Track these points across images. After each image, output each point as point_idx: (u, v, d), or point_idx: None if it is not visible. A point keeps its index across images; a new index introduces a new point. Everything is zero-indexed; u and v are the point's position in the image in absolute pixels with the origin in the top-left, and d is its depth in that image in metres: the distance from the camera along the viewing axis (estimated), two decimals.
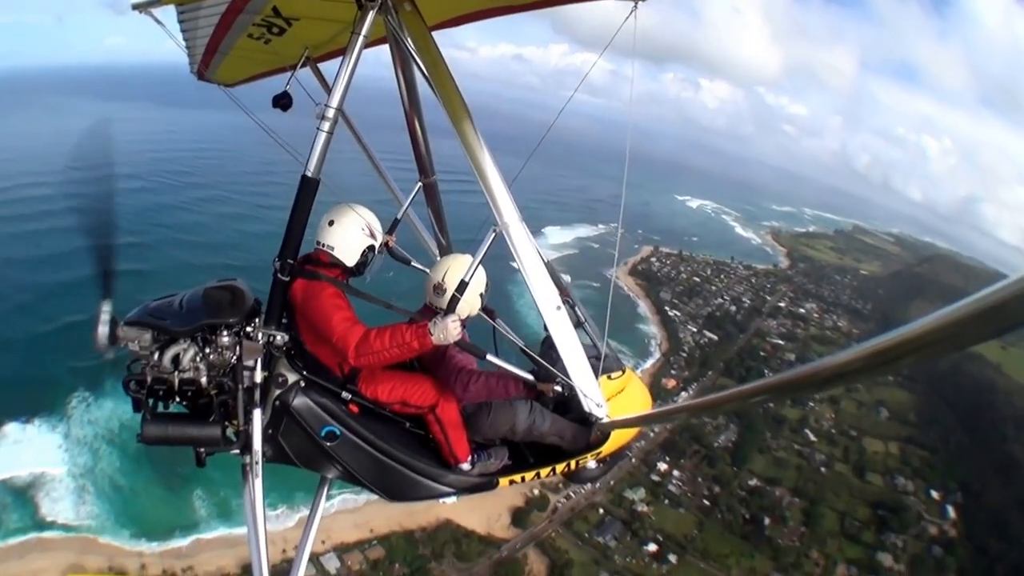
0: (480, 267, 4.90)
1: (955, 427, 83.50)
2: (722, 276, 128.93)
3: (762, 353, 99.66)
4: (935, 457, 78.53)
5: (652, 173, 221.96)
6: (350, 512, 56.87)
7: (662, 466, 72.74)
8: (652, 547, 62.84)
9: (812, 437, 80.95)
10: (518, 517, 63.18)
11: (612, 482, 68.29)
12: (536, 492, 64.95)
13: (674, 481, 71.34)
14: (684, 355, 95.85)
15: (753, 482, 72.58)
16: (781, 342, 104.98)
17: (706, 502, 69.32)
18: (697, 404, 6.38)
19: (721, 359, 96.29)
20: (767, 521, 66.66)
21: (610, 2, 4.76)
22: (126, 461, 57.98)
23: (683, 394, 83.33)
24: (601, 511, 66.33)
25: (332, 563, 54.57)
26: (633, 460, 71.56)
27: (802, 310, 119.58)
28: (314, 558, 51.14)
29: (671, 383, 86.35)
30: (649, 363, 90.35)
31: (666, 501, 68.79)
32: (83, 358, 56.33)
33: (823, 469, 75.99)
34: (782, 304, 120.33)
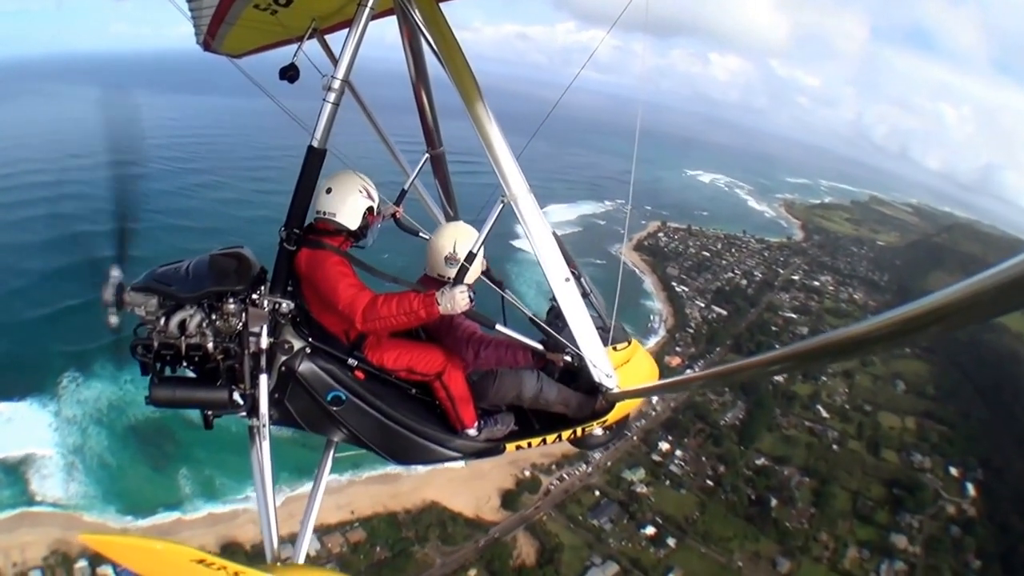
0: (477, 235, 5.02)
1: (976, 400, 79.39)
2: (733, 250, 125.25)
3: (774, 327, 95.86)
4: (954, 432, 74.42)
5: (663, 148, 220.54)
6: (332, 493, 54.84)
7: (664, 446, 69.18)
8: (650, 530, 59.58)
9: (824, 413, 77.13)
10: (508, 499, 60.49)
11: (609, 463, 65.43)
12: (528, 474, 62.60)
13: (676, 461, 67.92)
14: (691, 331, 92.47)
15: (760, 461, 69.01)
16: (794, 316, 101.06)
17: (709, 482, 65.80)
18: (710, 374, 5.12)
19: (730, 334, 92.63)
20: (774, 502, 63.13)
21: None
22: (114, 440, 58.54)
23: (687, 372, 79.81)
24: (597, 493, 63.26)
25: (312, 545, 52.31)
26: (634, 438, 68.57)
27: (816, 283, 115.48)
28: (293, 539, 51.31)
29: (675, 361, 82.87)
30: (653, 341, 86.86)
31: (667, 482, 65.43)
32: (75, 342, 60.12)
33: (835, 446, 72.15)
34: (796, 277, 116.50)
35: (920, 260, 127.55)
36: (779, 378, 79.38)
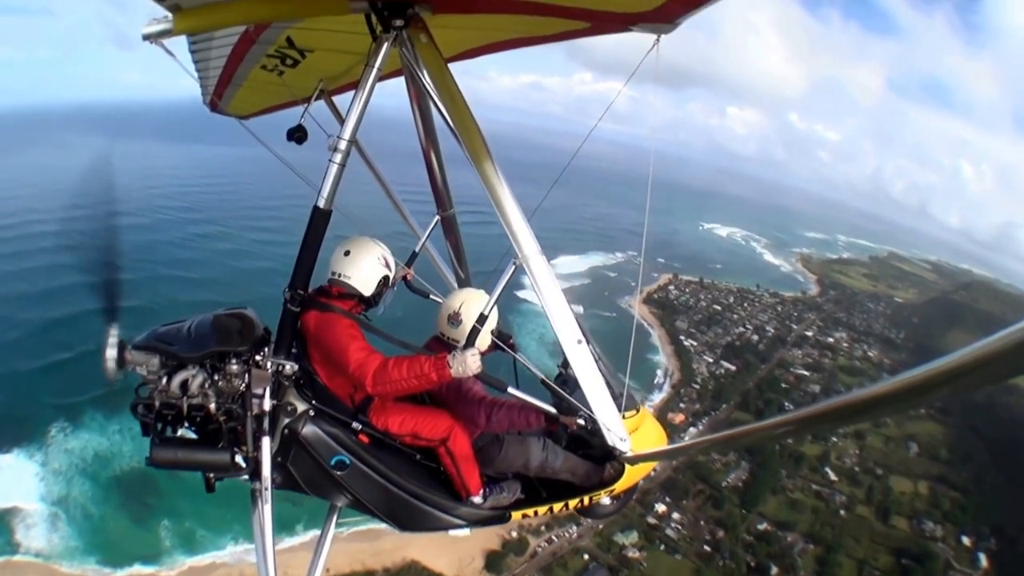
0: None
1: (990, 465, 78.00)
2: (745, 304, 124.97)
3: (784, 385, 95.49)
4: (968, 499, 73.12)
5: (680, 200, 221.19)
6: (309, 548, 54.29)
7: (660, 507, 68.53)
8: None
9: (833, 476, 76.46)
10: (492, 561, 60.00)
11: (601, 525, 64.25)
12: (514, 535, 61.97)
13: (673, 524, 67.18)
14: (696, 387, 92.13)
15: (763, 526, 68.16)
16: (806, 373, 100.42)
17: (707, 548, 64.92)
18: (721, 437, 5.44)
19: (738, 391, 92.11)
20: (775, 570, 62.31)
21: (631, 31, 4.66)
22: (98, 491, 59.66)
23: (691, 430, 79.53)
24: (586, 557, 62.53)
25: None
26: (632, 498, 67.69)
27: (831, 339, 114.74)
28: None
29: (679, 418, 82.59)
30: (657, 397, 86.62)
31: (661, 546, 64.58)
32: (66, 395, 62.05)
33: (842, 512, 71.21)
34: (809, 333, 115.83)
35: (938, 318, 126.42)
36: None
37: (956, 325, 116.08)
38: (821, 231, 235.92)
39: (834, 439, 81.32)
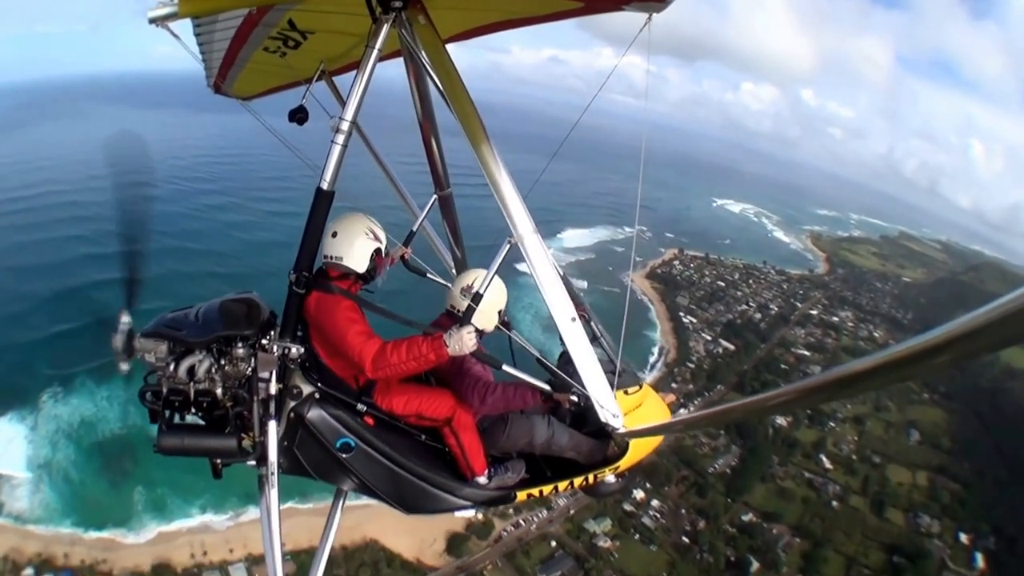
0: (502, 285, 5.17)
1: (993, 457, 70.06)
2: (751, 281, 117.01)
3: (783, 365, 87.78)
4: (968, 492, 65.41)
5: (695, 176, 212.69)
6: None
7: (639, 494, 61.29)
8: None
9: (828, 463, 69.07)
10: (454, 544, 54.48)
11: (573, 511, 58.31)
12: (480, 517, 55.87)
13: (651, 512, 60.28)
14: (691, 366, 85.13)
15: (747, 517, 61.31)
16: (807, 353, 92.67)
17: (685, 539, 58.30)
18: (718, 411, 3.70)
19: (735, 371, 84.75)
20: (755, 565, 55.63)
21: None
22: (80, 455, 58.03)
23: (682, 411, 72.62)
24: (553, 544, 56.32)
25: (240, 574, 50.98)
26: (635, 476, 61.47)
27: (835, 319, 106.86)
28: (222, 567, 50.98)
29: (670, 398, 74.35)
30: (649, 376, 79.65)
31: (636, 536, 57.89)
32: (64, 366, 60.16)
33: (835, 503, 63.99)
34: (814, 312, 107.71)
35: (945, 298, 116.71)
36: (782, 422, 72.19)
37: (963, 306, 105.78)
38: (833, 209, 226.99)
39: (832, 424, 74.38)
